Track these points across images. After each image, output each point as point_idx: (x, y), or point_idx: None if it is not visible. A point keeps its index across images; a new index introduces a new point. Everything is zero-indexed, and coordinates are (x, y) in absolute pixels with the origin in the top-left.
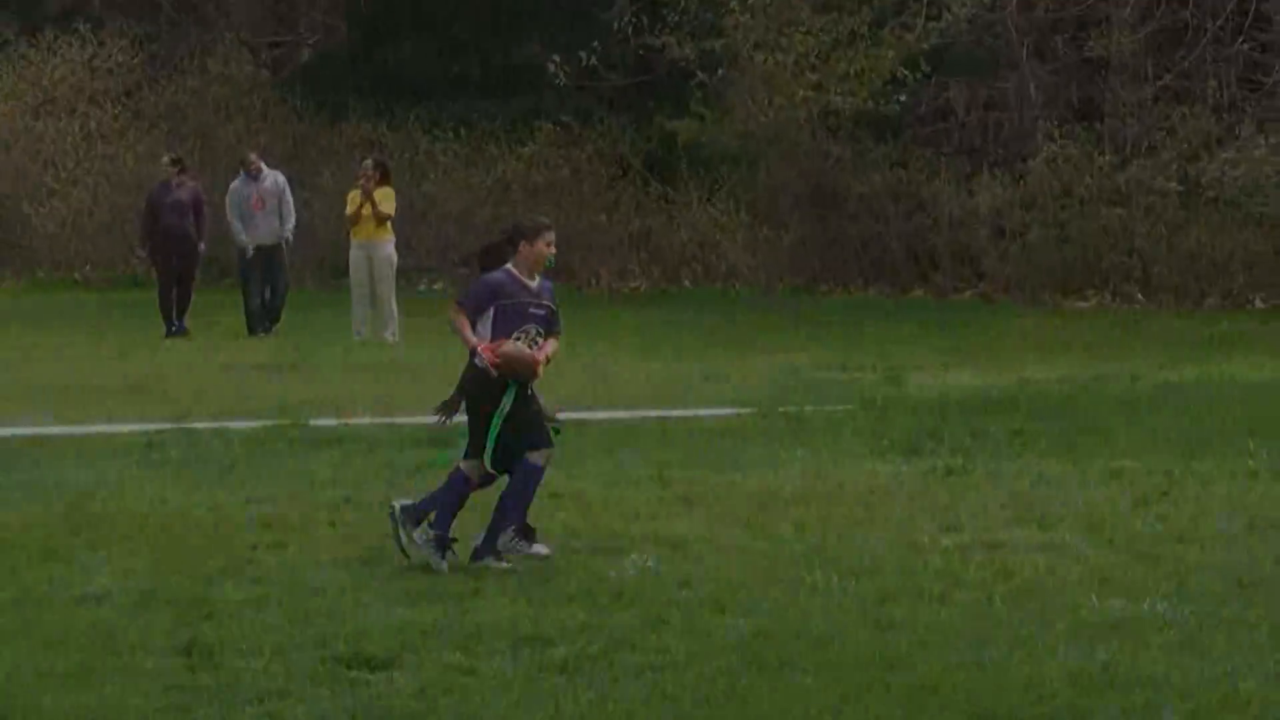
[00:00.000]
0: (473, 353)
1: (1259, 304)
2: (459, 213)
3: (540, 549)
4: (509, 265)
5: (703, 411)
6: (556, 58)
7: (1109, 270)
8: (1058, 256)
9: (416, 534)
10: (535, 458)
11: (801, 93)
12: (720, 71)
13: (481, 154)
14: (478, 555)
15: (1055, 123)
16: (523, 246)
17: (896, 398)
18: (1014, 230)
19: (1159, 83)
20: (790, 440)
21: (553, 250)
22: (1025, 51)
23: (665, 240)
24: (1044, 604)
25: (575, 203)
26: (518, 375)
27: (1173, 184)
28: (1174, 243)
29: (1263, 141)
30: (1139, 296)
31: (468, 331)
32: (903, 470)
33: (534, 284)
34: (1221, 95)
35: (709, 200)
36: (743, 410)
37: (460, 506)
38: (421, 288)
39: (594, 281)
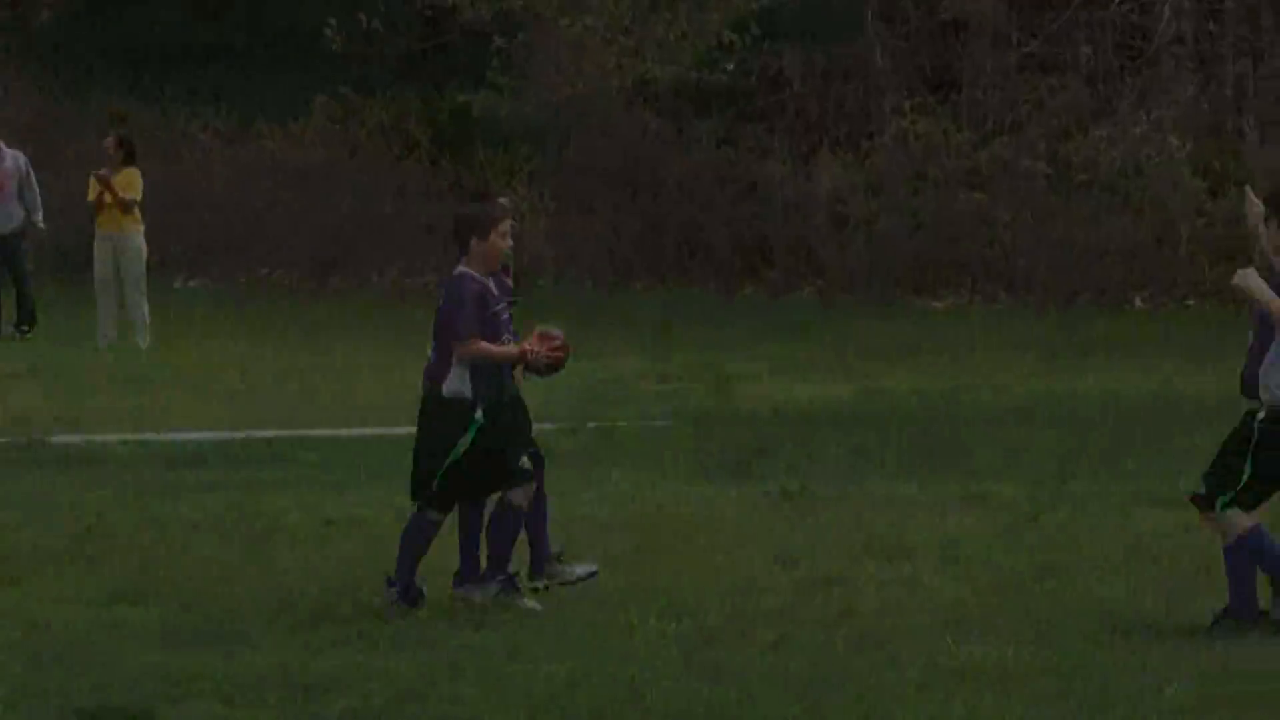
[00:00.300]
0: (522, 357)
1: (1139, 303)
2: (221, 198)
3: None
4: (464, 269)
5: None
6: (332, 20)
7: (968, 264)
8: (909, 248)
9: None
10: (515, 496)
11: (614, 60)
12: (520, 36)
13: (246, 131)
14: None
15: (905, 95)
16: (474, 244)
17: (724, 411)
18: (858, 218)
19: (1024, 49)
20: (602, 460)
21: (509, 242)
22: (870, 13)
23: None
24: (894, 648)
25: (355, 186)
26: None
27: (1041, 165)
28: (1042, 232)
29: (1143, 117)
30: (1002, 294)
31: (496, 347)
32: (731, 494)
33: (492, 284)
34: (1096, 63)
35: (508, 183)
36: (545, 425)
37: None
38: (178, 285)
39: (377, 277)
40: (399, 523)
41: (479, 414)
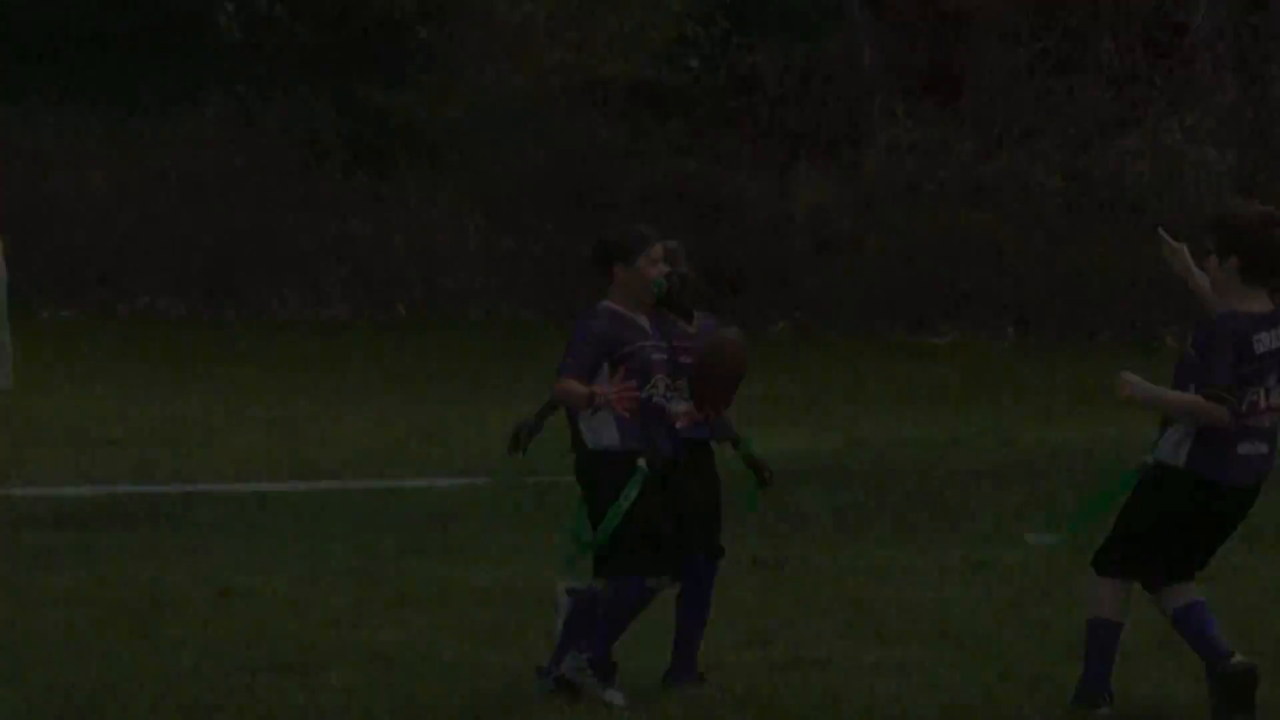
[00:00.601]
0: (589, 401)
1: (1170, 341)
2: (95, 212)
3: (615, 696)
4: (607, 301)
5: (423, 483)
6: (228, 5)
7: (971, 294)
8: (902, 275)
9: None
10: (652, 581)
11: (558, 55)
12: (447, 27)
13: (126, 134)
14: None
15: (898, 97)
16: (617, 271)
17: None
18: (844, 240)
19: (1038, 45)
20: (539, 520)
21: (662, 270)
22: (857, 2)
23: (374, 251)
24: None
25: (252, 200)
26: (719, 378)
27: (1056, 179)
28: (1057, 258)
29: (1175, 124)
30: (1010, 329)
31: (576, 386)
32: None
33: (644, 320)
34: (1120, 62)
35: (432, 198)
36: (476, 480)
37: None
38: (45, 315)
39: (278, 306)
40: (302, 592)
41: (642, 463)
